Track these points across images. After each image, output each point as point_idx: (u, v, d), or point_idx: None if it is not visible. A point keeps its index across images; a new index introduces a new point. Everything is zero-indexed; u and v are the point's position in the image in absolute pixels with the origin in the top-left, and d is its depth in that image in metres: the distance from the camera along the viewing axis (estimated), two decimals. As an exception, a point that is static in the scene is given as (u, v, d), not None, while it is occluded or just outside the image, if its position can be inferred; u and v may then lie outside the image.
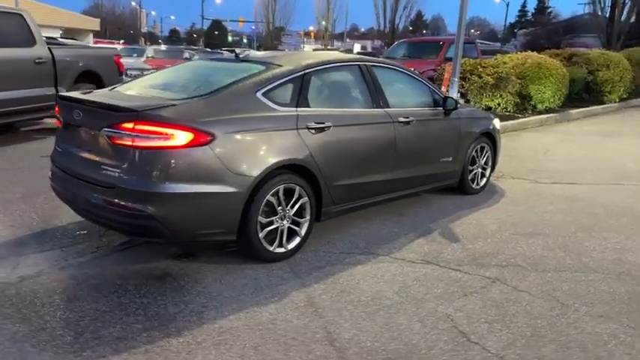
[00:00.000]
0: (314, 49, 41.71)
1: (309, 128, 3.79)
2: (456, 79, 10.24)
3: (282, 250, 3.74)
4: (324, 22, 47.89)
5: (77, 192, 3.55)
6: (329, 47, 45.24)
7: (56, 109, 3.92)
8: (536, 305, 3.24)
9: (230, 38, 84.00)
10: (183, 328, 2.85)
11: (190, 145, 3.18)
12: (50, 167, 3.98)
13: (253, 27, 72.14)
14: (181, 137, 3.15)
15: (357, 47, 53.07)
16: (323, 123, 3.88)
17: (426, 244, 4.19)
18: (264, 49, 38.71)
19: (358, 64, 4.46)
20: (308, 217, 3.87)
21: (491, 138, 5.77)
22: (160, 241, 3.52)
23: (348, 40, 59.27)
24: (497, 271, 3.73)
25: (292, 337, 2.80)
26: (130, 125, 3.16)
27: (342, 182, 4.06)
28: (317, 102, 3.99)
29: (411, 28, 78.91)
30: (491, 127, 5.73)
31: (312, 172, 3.79)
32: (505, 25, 70.28)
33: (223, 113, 3.40)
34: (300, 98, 3.86)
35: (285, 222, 3.72)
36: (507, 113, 11.35)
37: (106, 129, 3.27)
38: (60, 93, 4.05)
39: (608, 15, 26.28)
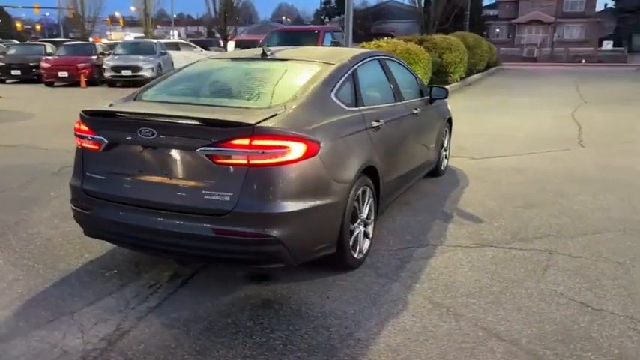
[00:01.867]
0: (136, 37, 38.81)
1: (372, 127, 3.70)
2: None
3: (360, 255, 3.62)
4: (143, 8, 44.56)
5: (151, 225, 2.97)
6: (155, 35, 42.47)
7: (83, 127, 3.18)
8: (601, 267, 3.68)
9: (20, 26, 73.37)
10: (356, 355, 2.64)
11: (305, 157, 2.89)
12: (77, 200, 3.25)
13: (47, 13, 64.28)
14: (297, 150, 2.85)
15: (175, 34, 50.42)
16: (379, 121, 3.82)
17: (461, 228, 4.42)
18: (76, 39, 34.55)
19: (377, 58, 4.44)
20: (373, 218, 3.80)
21: (450, 122, 6.21)
22: (277, 266, 3.13)
23: (176, 28, 55.88)
24: (541, 243, 4.11)
25: (462, 340, 2.78)
26: (244, 142, 2.75)
27: (389, 178, 4.06)
28: (366, 99, 3.90)
29: (226, 15, 78.31)
30: (451, 113, 6.17)
31: (377, 172, 3.72)
32: (319, 11, 73.89)
33: (317, 120, 3.15)
34: (357, 96, 3.73)
35: (361, 226, 3.61)
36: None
37: (205, 148, 2.80)
38: (99, 108, 3.25)
39: (423, 2, 29.42)
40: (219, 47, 32.88)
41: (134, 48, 19.86)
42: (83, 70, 18.71)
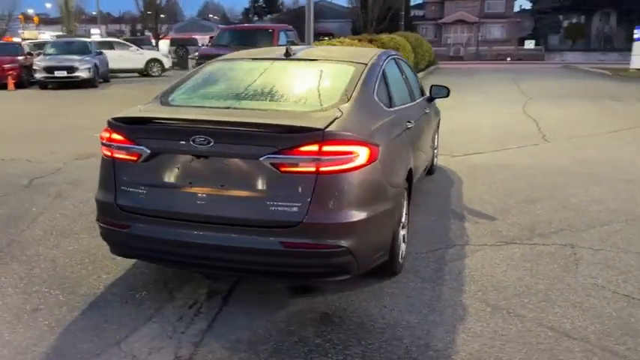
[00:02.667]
0: (58, 36, 36.29)
1: (408, 128, 3.62)
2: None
3: (401, 260, 3.53)
4: (63, 4, 41.81)
5: (205, 241, 2.72)
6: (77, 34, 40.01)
7: (116, 136, 2.86)
8: (625, 259, 3.80)
9: None
10: (444, 366, 2.54)
11: (369, 162, 2.75)
12: (108, 217, 2.92)
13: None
14: (362, 155, 2.70)
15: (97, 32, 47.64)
16: (410, 122, 3.74)
17: (478, 227, 4.43)
18: None
19: (393, 57, 4.35)
20: (406, 221, 3.72)
21: (439, 122, 6.26)
22: (342, 278, 2.94)
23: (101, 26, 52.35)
24: (559, 238, 4.20)
25: (536, 342, 2.75)
26: (313, 148, 2.56)
27: (415, 179, 4.00)
28: (396, 99, 3.80)
29: (149, 13, 75.46)
30: (440, 113, 6.22)
31: (412, 173, 3.64)
32: (247, 10, 73.07)
33: (371, 122, 3.02)
34: (390, 96, 3.63)
35: (403, 230, 3.52)
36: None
37: (270, 155, 2.58)
38: (135, 114, 2.97)
39: (360, 3, 29.82)
40: (152, 46, 31.65)
41: (67, 47, 18.65)
42: (10, 72, 17.29)
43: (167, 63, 24.44)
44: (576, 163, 6.78)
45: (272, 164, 2.59)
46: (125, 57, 22.74)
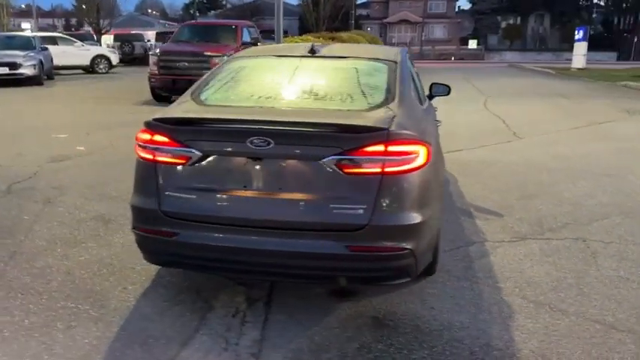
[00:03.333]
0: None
1: (438, 127, 3.61)
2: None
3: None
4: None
5: (262, 247, 2.59)
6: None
7: (159, 138, 2.67)
8: (636, 250, 3.97)
9: None
10: (512, 364, 2.54)
11: (426, 162, 2.70)
12: (150, 225, 2.73)
13: None
14: (422, 154, 2.65)
15: (26, 27, 44.69)
16: (439, 121, 3.74)
17: (489, 224, 4.50)
18: None
19: (407, 54, 4.33)
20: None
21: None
22: (401, 282, 2.87)
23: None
24: (568, 232, 4.33)
25: (589, 336, 2.81)
26: (378, 148, 2.49)
27: None
28: (422, 97, 3.77)
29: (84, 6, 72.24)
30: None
31: None
32: (188, 5, 71.37)
33: (419, 121, 2.98)
34: (419, 95, 3.62)
35: (437, 229, 3.51)
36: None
37: (334, 156, 2.48)
38: (181, 115, 2.80)
39: (311, 0, 29.78)
40: (94, 42, 30.25)
41: (7, 42, 17.45)
42: (-57, 69, 16.01)
43: (114, 59, 23.45)
44: (553, 158, 7.04)
45: (336, 165, 2.50)
46: (70, 53, 21.63)
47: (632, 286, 3.39)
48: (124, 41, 30.29)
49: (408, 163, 2.57)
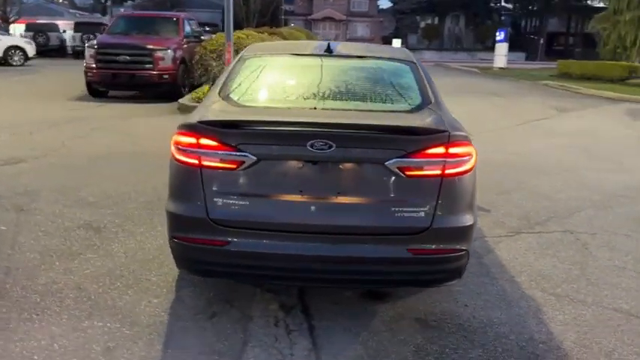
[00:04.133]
0: None
1: None
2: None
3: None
4: None
5: (319, 253, 2.52)
6: None
7: (206, 142, 2.49)
8: (620, 241, 4.27)
9: None
10: (562, 357, 2.66)
11: (475, 163, 2.75)
12: (198, 234, 2.55)
13: None
14: (474, 156, 2.69)
15: None
16: None
17: (481, 219, 4.62)
18: None
19: None
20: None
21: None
22: (452, 283, 2.86)
23: None
24: (555, 225, 4.58)
25: (615, 324, 3.00)
26: (440, 150, 2.50)
27: None
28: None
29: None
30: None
31: None
32: (98, -6, 67.58)
33: (457, 122, 3.01)
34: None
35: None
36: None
37: (398, 159, 2.46)
38: (234, 117, 2.62)
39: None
40: (4, 31, 27.80)
41: None
42: None
43: (30, 51, 21.66)
44: (511, 155, 7.41)
45: (398, 168, 2.47)
46: (-22, 44, 19.75)
47: (631, 275, 3.65)
48: (37, 31, 28.05)
49: (464, 165, 2.59)
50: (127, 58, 10.98)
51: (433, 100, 2.98)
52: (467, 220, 2.62)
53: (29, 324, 2.67)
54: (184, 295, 3.06)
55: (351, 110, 2.87)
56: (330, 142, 2.41)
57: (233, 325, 2.78)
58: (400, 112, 2.87)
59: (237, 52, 11.05)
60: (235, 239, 2.51)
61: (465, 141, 2.60)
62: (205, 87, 10.52)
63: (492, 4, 59.76)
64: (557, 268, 3.71)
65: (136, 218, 4.22)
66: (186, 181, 2.58)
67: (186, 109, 10.07)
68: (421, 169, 2.51)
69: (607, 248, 4.10)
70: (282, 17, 29.54)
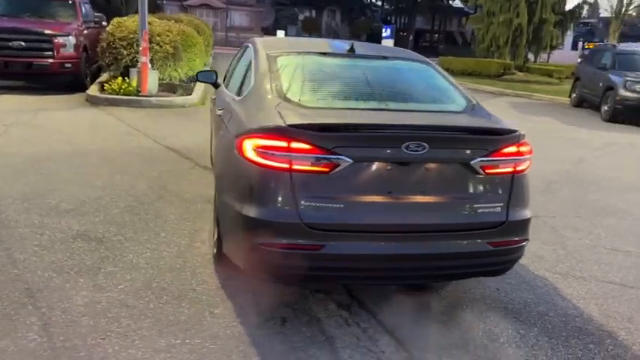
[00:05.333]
0: None
1: None
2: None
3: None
4: None
5: (409, 251, 2.61)
6: None
7: (298, 145, 2.45)
8: (577, 222, 4.88)
9: None
10: (616, 335, 3.02)
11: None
12: (290, 239, 2.50)
13: None
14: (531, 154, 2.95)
15: None
16: None
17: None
18: None
19: None
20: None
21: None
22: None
23: None
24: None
25: (627, 297, 3.49)
26: (513, 149, 2.73)
27: None
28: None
29: None
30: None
31: None
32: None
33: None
34: None
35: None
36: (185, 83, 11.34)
37: (481, 159, 2.63)
38: (327, 120, 2.56)
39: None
40: None
41: None
42: None
43: None
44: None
45: (481, 167, 2.64)
46: None
47: (603, 251, 4.22)
48: None
49: (527, 162, 2.86)
50: (23, 44, 9.77)
51: (475, 102, 3.20)
52: (529, 212, 2.88)
53: (101, 350, 2.40)
54: (241, 303, 2.95)
55: (416, 111, 2.97)
56: (424, 144, 2.51)
57: (309, 329, 2.76)
58: (459, 112, 3.04)
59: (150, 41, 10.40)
60: (330, 242, 2.51)
61: (526, 140, 2.84)
62: (119, 79, 9.75)
63: (366, 1, 62.43)
64: (544, 249, 4.16)
65: (129, 225, 3.89)
66: (275, 186, 2.51)
67: (96, 102, 9.32)
68: (499, 167, 2.72)
69: (572, 229, 4.68)
70: (164, 2, 28.07)
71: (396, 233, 2.60)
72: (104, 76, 11.05)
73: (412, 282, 3.16)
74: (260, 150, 2.51)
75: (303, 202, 2.49)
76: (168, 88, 10.60)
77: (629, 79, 11.45)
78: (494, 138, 2.71)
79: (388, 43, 27.54)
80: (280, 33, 51.75)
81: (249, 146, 2.55)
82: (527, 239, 2.87)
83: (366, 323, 2.86)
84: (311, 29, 59.67)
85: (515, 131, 2.76)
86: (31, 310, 2.68)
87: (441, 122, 2.79)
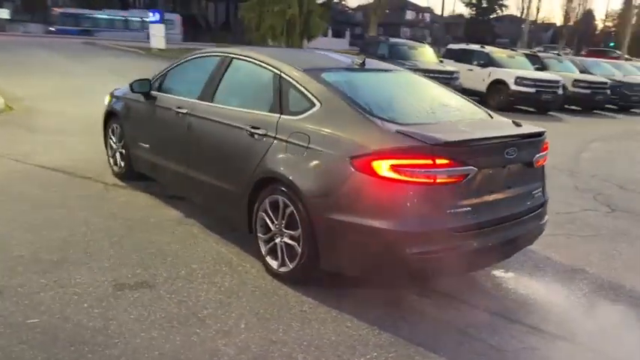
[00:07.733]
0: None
1: None
2: None
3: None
4: None
5: (506, 239, 3.21)
6: None
7: (445, 161, 2.81)
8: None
9: None
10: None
11: None
12: (440, 244, 2.87)
13: None
14: None
15: None
16: None
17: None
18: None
19: None
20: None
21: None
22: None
23: None
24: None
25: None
26: (544, 145, 3.47)
27: None
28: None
29: None
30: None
31: None
32: None
33: None
34: None
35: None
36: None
37: (538, 155, 3.37)
38: (460, 137, 2.94)
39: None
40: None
41: None
42: None
43: None
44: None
45: (536, 162, 3.35)
46: None
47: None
48: None
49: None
50: None
51: (479, 107, 3.85)
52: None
53: None
54: (329, 292, 3.15)
55: (468, 120, 3.55)
56: (515, 149, 3.13)
57: (395, 323, 2.93)
58: (491, 117, 3.68)
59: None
60: (469, 241, 2.95)
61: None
62: None
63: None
64: (557, 237, 4.40)
65: (161, 267, 3.31)
66: (420, 199, 2.79)
67: None
68: (543, 159, 3.46)
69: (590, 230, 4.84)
70: None
71: (508, 222, 3.19)
72: None
73: (509, 257, 3.67)
74: (401, 168, 2.75)
75: (447, 211, 2.88)
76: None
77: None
78: (542, 138, 3.42)
79: (157, 28, 25.43)
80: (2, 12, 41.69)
81: (385, 166, 2.75)
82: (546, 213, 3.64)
83: (447, 315, 3.10)
84: (33, 8, 51.15)
85: (544, 131, 3.44)
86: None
87: (519, 131, 3.34)
